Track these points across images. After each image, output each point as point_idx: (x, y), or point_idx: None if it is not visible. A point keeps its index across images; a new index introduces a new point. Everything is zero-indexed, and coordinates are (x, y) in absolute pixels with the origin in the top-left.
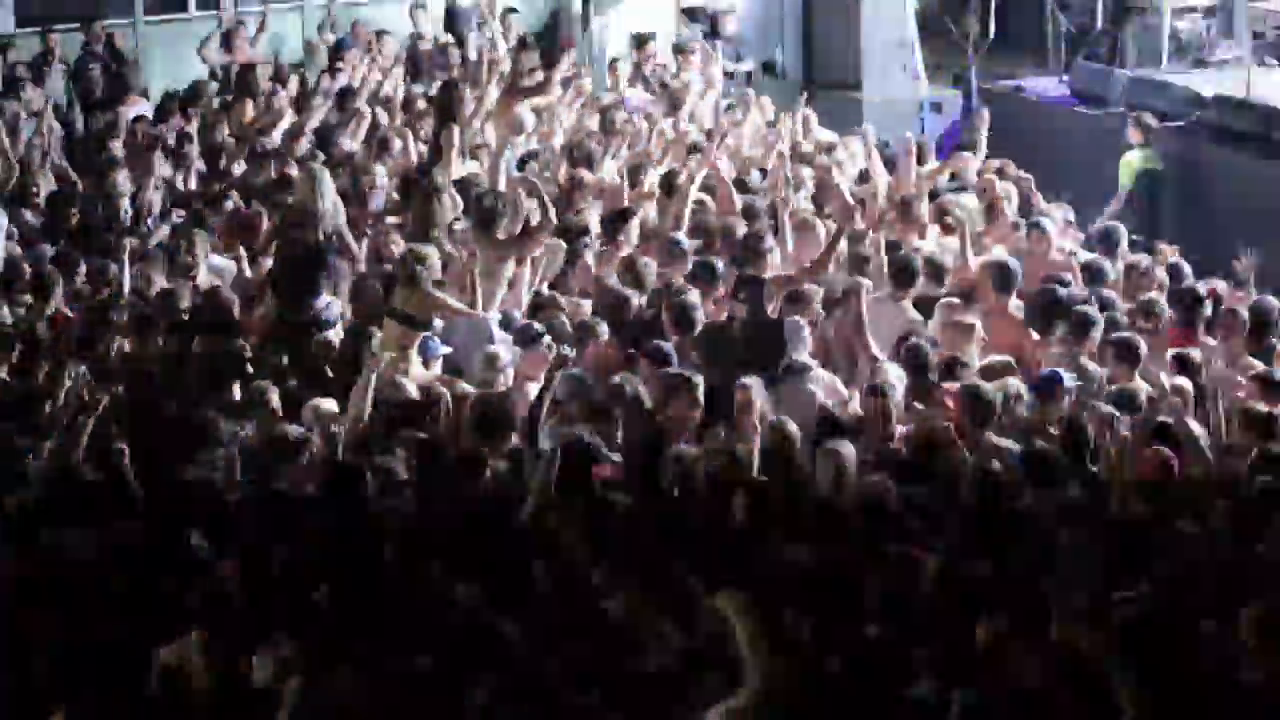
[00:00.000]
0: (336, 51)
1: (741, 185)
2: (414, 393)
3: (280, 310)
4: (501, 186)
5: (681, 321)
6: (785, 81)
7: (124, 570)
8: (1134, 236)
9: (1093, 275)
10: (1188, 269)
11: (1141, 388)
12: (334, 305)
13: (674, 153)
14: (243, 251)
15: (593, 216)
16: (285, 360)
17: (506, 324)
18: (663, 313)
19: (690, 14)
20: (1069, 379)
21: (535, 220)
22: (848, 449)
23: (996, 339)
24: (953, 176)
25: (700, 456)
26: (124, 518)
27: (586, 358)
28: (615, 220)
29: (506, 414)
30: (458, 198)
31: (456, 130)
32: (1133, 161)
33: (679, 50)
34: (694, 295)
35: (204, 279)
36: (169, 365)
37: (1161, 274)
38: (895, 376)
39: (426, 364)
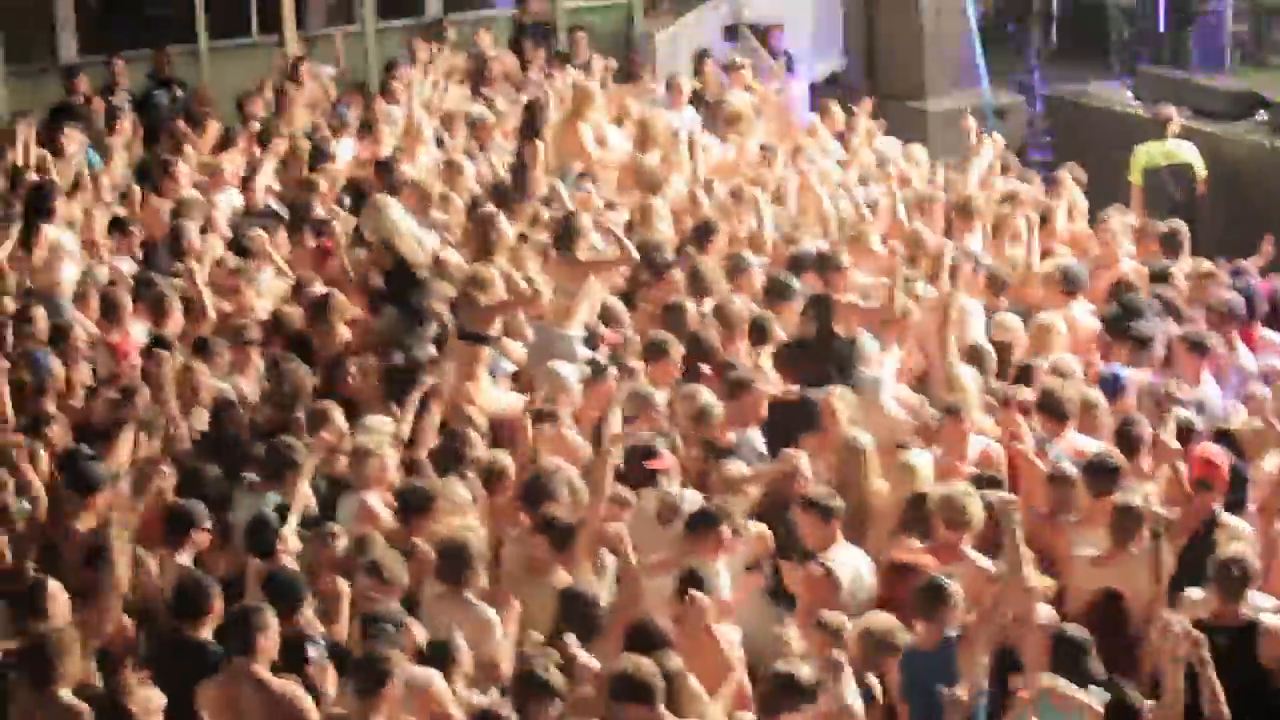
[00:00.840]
0: (389, 70)
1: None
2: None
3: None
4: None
5: (757, 336)
6: (851, 93)
7: None
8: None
9: (1157, 279)
10: (1250, 268)
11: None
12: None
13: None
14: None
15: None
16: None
17: (591, 342)
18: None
19: (731, 32)
20: (1131, 375)
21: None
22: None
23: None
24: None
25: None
26: None
27: (655, 373)
28: (699, 236)
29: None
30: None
31: (540, 146)
32: (1139, 157)
33: (729, 68)
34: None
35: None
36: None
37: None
38: (970, 379)
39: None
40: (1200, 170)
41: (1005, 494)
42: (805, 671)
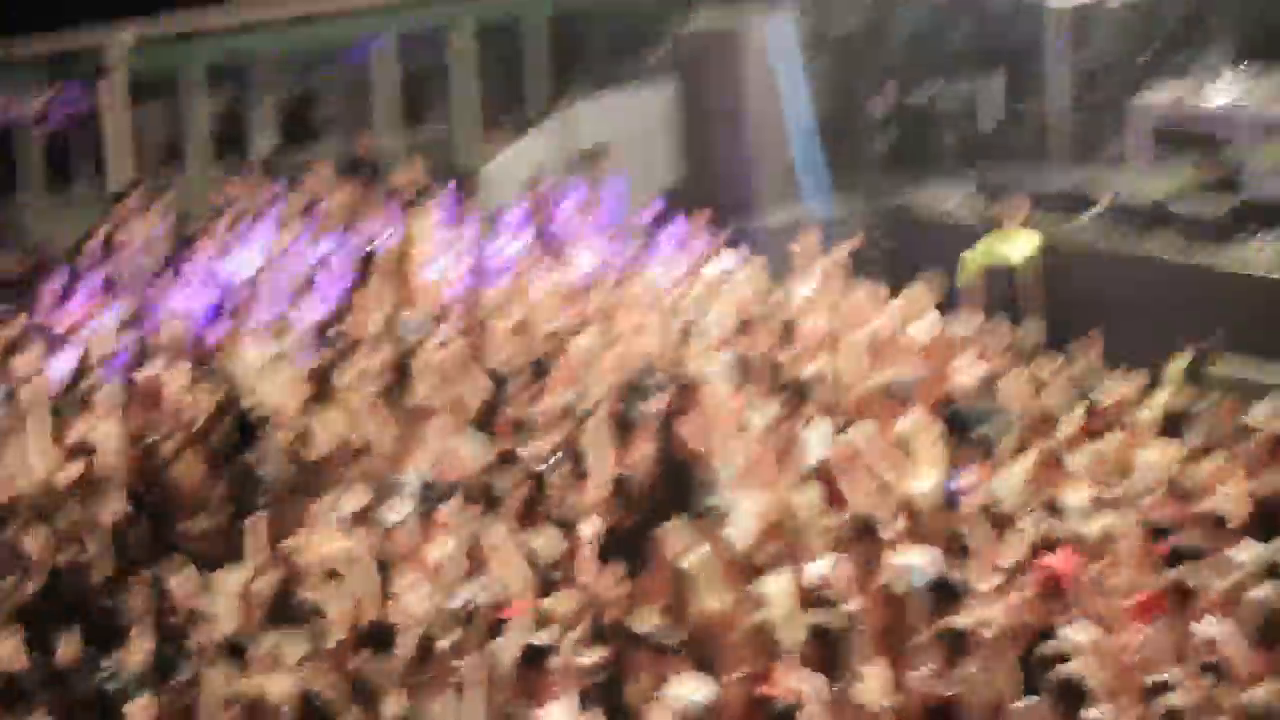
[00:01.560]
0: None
1: None
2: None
3: None
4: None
5: None
6: (688, 208)
7: None
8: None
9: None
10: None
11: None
12: None
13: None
14: None
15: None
16: None
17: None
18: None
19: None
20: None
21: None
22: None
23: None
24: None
25: None
26: None
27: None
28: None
29: None
30: None
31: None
32: (967, 260)
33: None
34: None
35: None
36: None
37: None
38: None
39: None
40: (1025, 266)
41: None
42: None
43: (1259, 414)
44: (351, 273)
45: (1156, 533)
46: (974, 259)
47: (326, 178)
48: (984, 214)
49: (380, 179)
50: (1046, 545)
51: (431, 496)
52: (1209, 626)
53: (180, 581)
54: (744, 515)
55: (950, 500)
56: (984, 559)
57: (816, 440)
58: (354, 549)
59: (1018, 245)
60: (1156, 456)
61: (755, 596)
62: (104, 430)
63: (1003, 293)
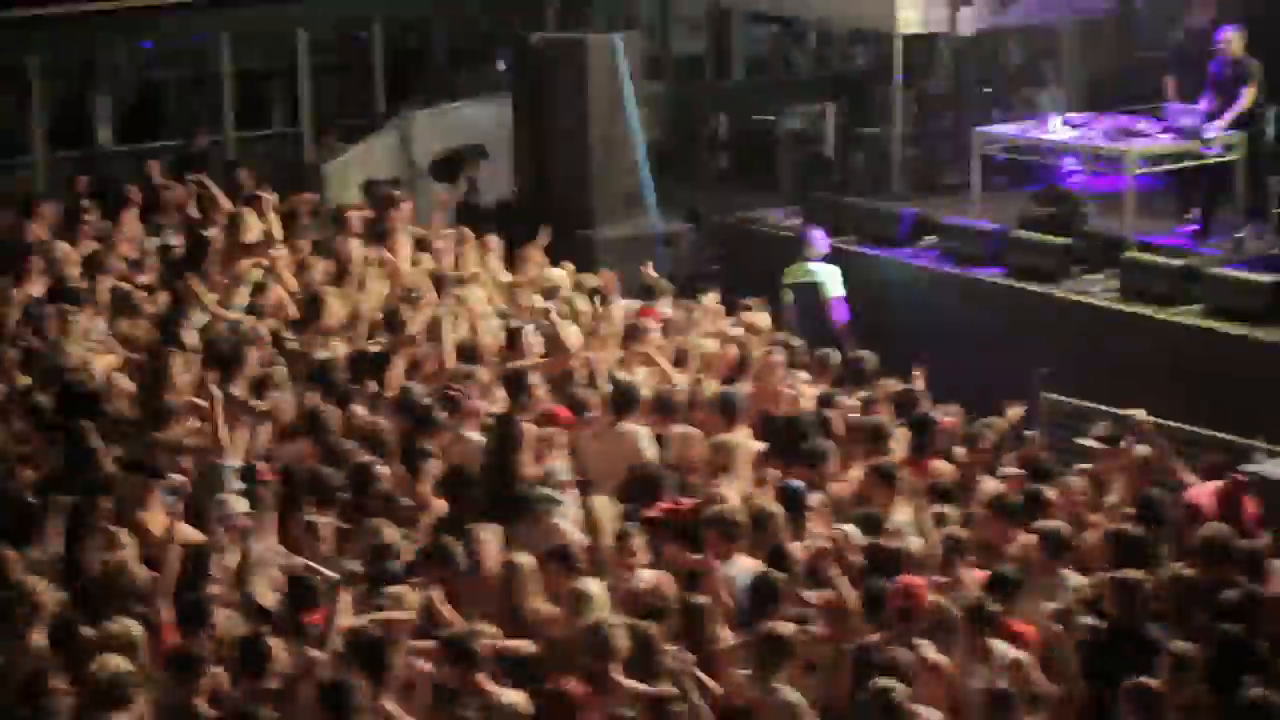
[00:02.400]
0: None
1: None
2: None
3: None
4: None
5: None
6: (521, 221)
7: None
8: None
9: (824, 403)
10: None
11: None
12: None
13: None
14: None
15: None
16: None
17: (247, 475)
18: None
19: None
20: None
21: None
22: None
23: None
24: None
25: None
26: None
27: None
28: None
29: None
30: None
31: (199, 281)
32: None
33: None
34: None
35: None
36: None
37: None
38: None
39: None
40: (830, 291)
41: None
42: None
43: (1091, 439)
44: (186, 262)
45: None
46: (788, 274)
47: (161, 171)
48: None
49: (221, 174)
50: (877, 562)
51: (252, 485)
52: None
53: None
54: (573, 515)
55: (783, 507)
56: (808, 568)
57: (646, 446)
58: (184, 532)
59: (823, 267)
60: (991, 481)
61: (580, 599)
62: None
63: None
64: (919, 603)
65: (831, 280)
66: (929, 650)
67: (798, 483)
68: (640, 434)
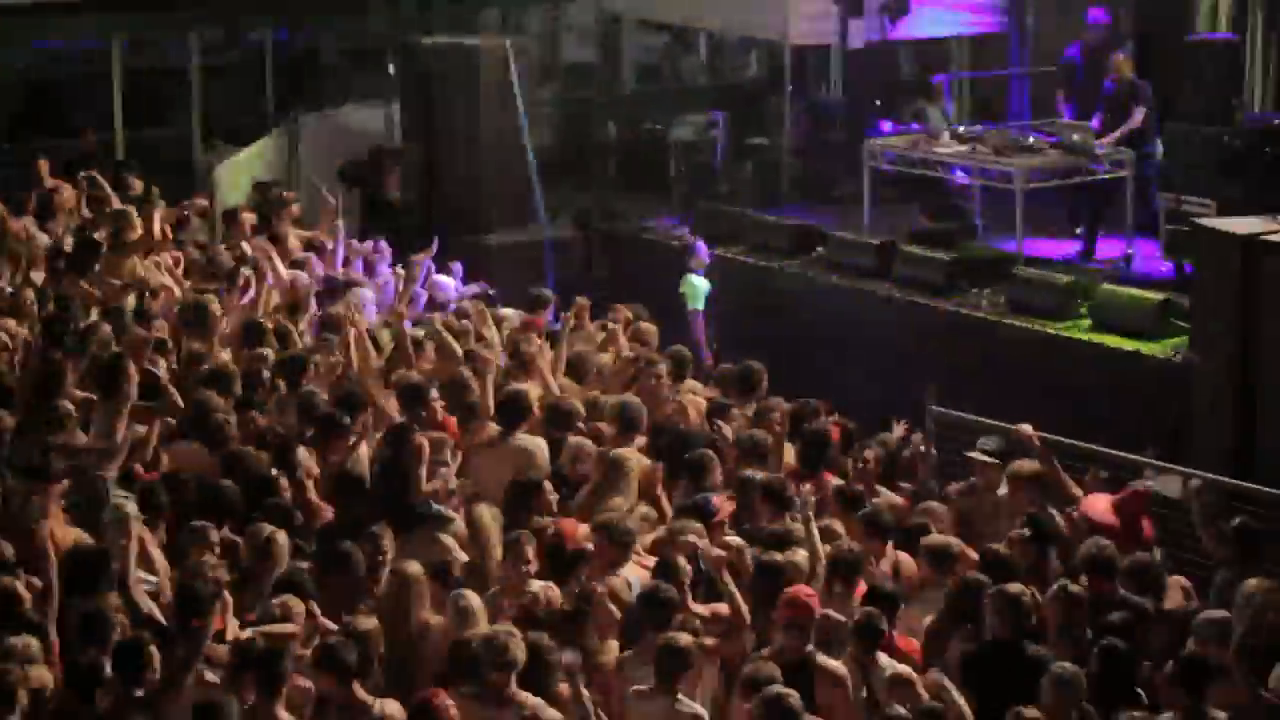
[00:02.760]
0: None
1: None
2: None
3: None
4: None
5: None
6: (409, 226)
7: None
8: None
9: (714, 413)
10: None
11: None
12: None
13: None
14: None
15: None
16: None
17: (127, 480)
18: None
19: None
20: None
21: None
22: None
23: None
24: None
25: None
26: None
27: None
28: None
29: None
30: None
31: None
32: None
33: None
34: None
35: None
36: None
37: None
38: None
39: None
40: (690, 303)
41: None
42: None
43: (979, 452)
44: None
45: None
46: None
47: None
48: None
49: (110, 174)
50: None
51: (134, 494)
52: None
53: None
54: (462, 526)
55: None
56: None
57: (539, 457)
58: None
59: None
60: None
61: (462, 612)
62: None
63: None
64: (809, 613)
65: (693, 293)
66: (827, 660)
67: (708, 495)
68: (531, 445)
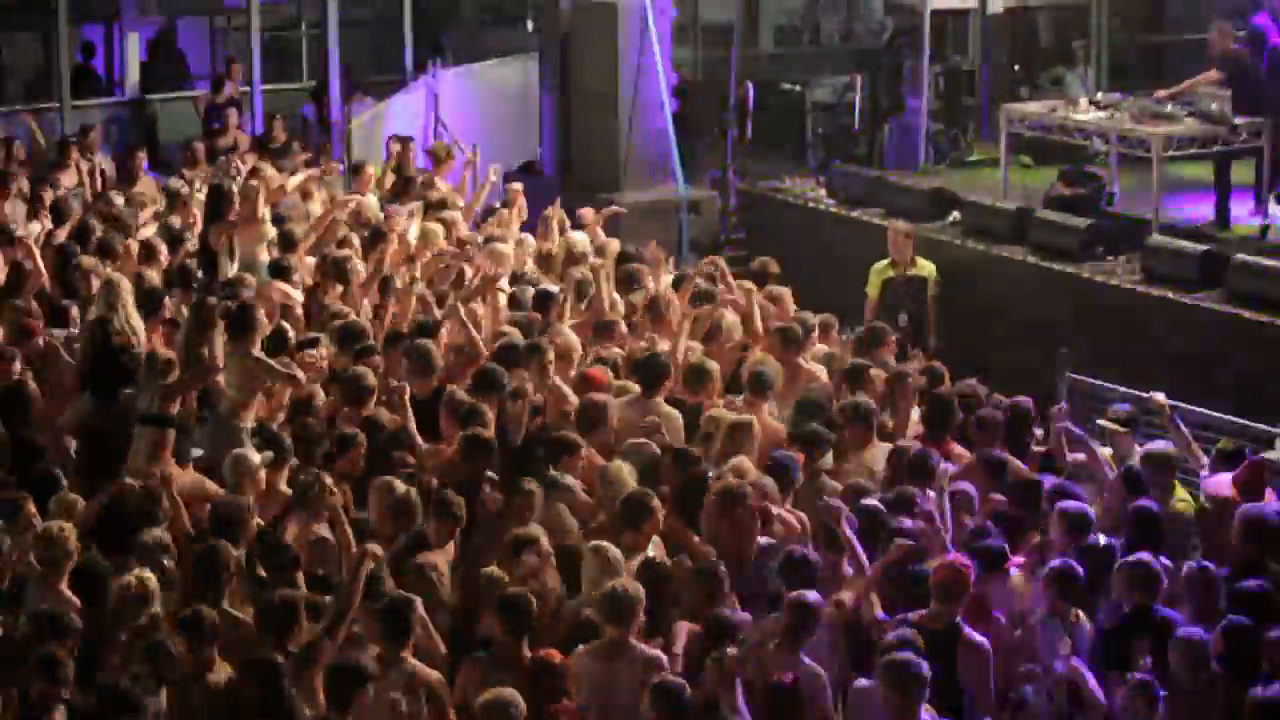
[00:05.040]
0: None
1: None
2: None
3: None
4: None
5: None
6: (545, 183)
7: None
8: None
9: (851, 380)
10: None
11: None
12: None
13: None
14: None
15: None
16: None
17: (258, 432)
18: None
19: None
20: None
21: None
22: None
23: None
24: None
25: None
26: None
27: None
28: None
29: (240, 517)
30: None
31: (226, 231)
32: (876, 269)
33: (434, 155)
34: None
35: None
36: None
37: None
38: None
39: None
40: (933, 286)
41: None
42: None
43: (1108, 420)
44: (205, 214)
45: None
46: (882, 269)
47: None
48: (844, 207)
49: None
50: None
51: (267, 443)
52: None
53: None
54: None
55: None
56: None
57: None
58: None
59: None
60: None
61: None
62: None
63: (904, 303)
64: (964, 583)
65: (933, 272)
66: (972, 632)
67: (788, 454)
68: (669, 412)
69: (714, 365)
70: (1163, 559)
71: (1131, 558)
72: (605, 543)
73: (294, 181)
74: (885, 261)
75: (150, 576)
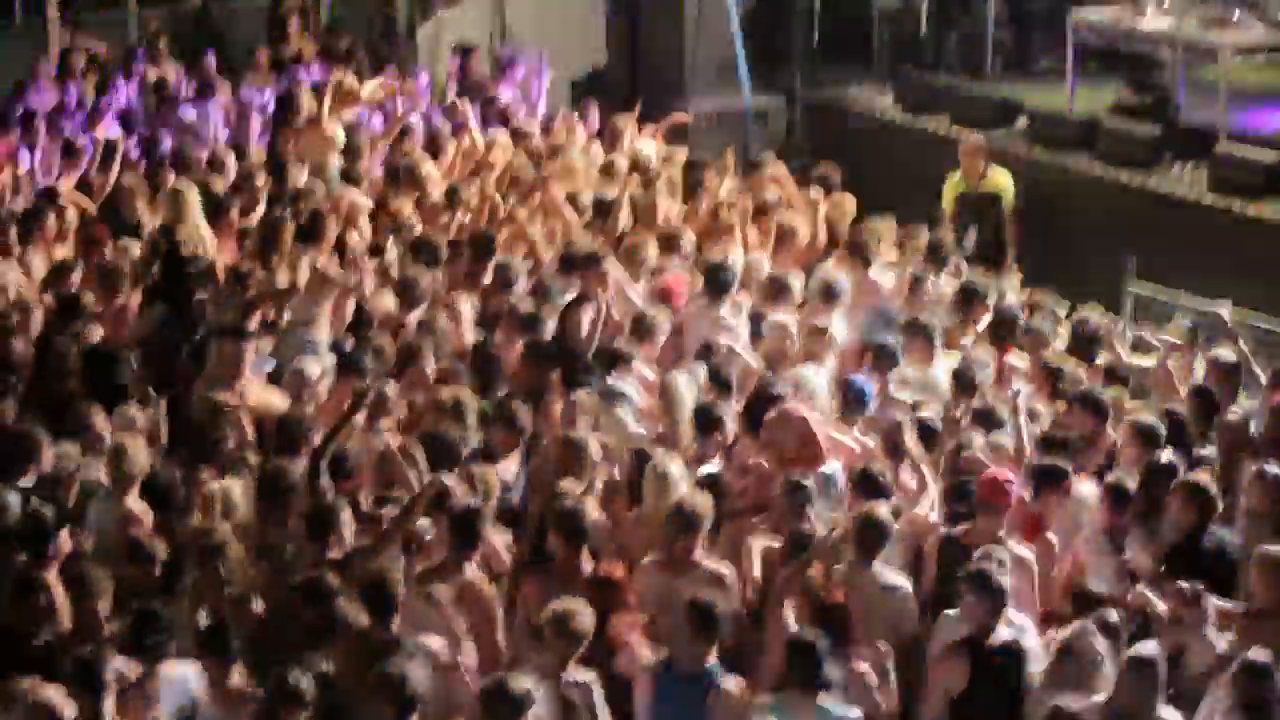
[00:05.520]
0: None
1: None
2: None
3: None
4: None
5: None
6: (610, 90)
7: None
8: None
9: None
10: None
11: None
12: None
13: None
14: None
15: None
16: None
17: (335, 346)
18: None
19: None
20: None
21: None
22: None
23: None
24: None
25: None
26: None
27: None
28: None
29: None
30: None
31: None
32: (950, 183)
33: (500, 64)
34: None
35: None
36: None
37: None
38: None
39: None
40: (1009, 199)
41: None
42: None
43: (1169, 334)
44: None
45: None
46: (956, 181)
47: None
48: (913, 118)
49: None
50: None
51: (339, 356)
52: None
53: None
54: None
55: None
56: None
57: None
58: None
59: (1000, 172)
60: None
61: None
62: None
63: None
64: (1005, 497)
65: (1008, 188)
66: (1018, 546)
67: (862, 378)
68: (731, 322)
69: (795, 276)
70: None
71: (1190, 476)
72: (665, 456)
73: (367, 90)
74: (958, 175)
75: (235, 485)
